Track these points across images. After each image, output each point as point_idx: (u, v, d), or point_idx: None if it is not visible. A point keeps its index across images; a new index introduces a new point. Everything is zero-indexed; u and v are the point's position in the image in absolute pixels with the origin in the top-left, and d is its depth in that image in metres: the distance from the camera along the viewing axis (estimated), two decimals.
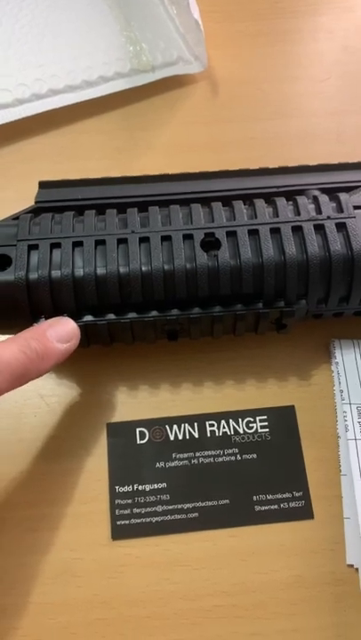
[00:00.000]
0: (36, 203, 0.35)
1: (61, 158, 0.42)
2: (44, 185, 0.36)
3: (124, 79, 0.44)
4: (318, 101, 0.45)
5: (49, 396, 0.35)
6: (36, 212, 0.34)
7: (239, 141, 0.43)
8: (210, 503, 0.33)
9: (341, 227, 0.32)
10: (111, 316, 0.32)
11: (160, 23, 0.47)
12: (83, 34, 0.45)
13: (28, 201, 0.35)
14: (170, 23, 0.47)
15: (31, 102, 0.43)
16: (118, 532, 0.32)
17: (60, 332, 0.30)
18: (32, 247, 0.32)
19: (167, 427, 0.34)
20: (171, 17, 0.47)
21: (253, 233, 0.32)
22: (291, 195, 0.34)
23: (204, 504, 0.33)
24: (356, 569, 0.31)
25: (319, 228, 0.32)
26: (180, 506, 0.32)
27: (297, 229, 0.32)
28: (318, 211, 0.33)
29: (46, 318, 0.32)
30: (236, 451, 0.34)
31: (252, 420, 0.34)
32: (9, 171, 0.42)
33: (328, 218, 0.32)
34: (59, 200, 0.35)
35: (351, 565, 0.31)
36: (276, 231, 0.32)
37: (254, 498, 0.33)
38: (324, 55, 0.47)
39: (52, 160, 0.42)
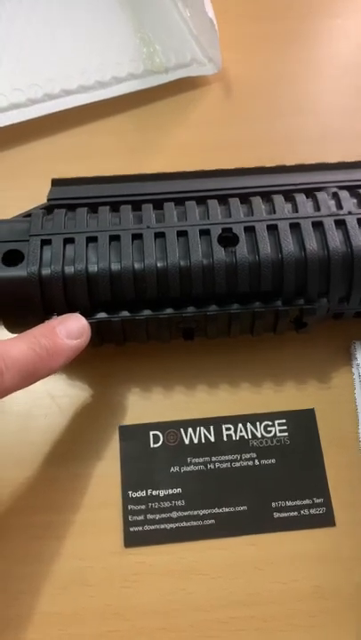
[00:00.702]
0: (48, 200, 0.34)
1: (74, 158, 0.42)
2: (56, 183, 0.35)
3: (138, 80, 0.44)
4: (335, 100, 0.44)
5: (60, 397, 0.34)
6: (48, 209, 0.33)
7: (254, 142, 0.42)
8: (227, 510, 0.31)
9: None
10: (125, 314, 0.31)
11: (174, 25, 0.46)
12: (96, 35, 0.45)
13: (40, 200, 0.34)
14: (183, 25, 0.46)
15: (44, 102, 0.42)
16: (131, 540, 0.31)
17: (71, 328, 0.29)
18: (45, 242, 0.31)
19: (182, 430, 0.33)
20: (184, 19, 0.46)
21: (272, 228, 0.31)
22: (310, 191, 0.33)
23: (220, 510, 0.31)
24: None
25: (340, 224, 0.31)
26: (195, 512, 0.31)
27: (318, 225, 0.31)
28: (339, 206, 0.32)
29: (58, 314, 0.31)
30: (254, 455, 0.32)
31: (270, 423, 0.33)
32: (21, 170, 0.41)
33: (349, 213, 0.31)
34: (71, 197, 0.34)
35: None
36: (295, 226, 0.31)
37: (273, 504, 0.31)
38: (340, 55, 0.47)
39: (64, 160, 0.42)
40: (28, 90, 0.42)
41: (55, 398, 0.34)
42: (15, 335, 0.34)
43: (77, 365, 0.34)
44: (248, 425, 0.33)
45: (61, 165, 0.41)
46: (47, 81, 0.43)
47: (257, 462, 0.32)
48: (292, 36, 0.47)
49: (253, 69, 0.46)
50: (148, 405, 0.34)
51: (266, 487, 0.32)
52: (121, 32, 0.45)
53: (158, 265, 0.30)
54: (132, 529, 0.31)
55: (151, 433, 0.33)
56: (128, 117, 0.44)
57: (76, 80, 0.43)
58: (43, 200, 0.34)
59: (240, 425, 0.33)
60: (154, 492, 0.31)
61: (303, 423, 0.33)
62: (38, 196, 0.34)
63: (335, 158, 0.36)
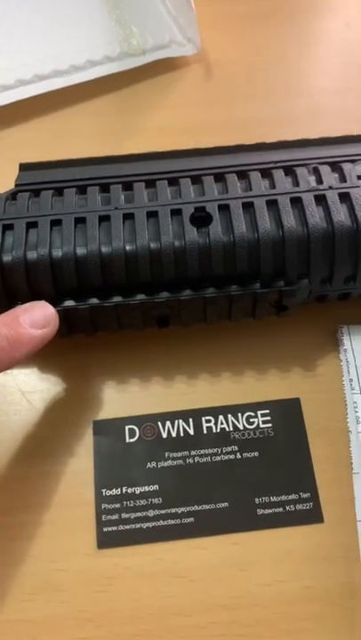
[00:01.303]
0: (16, 186, 0.33)
1: (49, 144, 0.40)
2: (25, 167, 0.34)
3: (114, 63, 0.43)
4: (321, 81, 0.43)
5: (30, 393, 0.32)
6: (14, 195, 0.32)
7: (236, 122, 0.41)
8: (207, 507, 0.29)
9: (345, 197, 0.29)
10: (94, 301, 0.29)
11: (151, 6, 0.45)
12: (70, 18, 0.44)
13: (10, 187, 0.33)
14: (161, 6, 0.45)
15: (16, 88, 0.41)
16: (105, 540, 0.29)
17: (36, 316, 0.27)
18: (7, 227, 0.29)
19: (159, 423, 0.31)
20: None
21: (248, 206, 0.29)
22: (290, 168, 0.31)
23: (200, 508, 0.29)
24: None
25: (321, 199, 0.29)
26: (173, 510, 0.29)
27: (296, 201, 0.29)
28: (319, 181, 0.30)
29: (23, 304, 0.29)
30: (236, 448, 0.30)
31: (252, 414, 0.31)
32: None
33: (330, 188, 0.29)
34: (40, 182, 0.33)
35: None
36: (273, 203, 0.29)
37: (256, 500, 0.29)
38: (327, 33, 0.45)
39: (39, 146, 0.40)
40: (1, 75, 0.41)
41: (25, 393, 0.32)
42: None
43: (49, 358, 0.33)
44: (229, 416, 0.31)
45: (36, 152, 0.39)
46: (19, 66, 0.41)
47: (239, 456, 0.30)
48: (275, 15, 0.46)
49: (234, 49, 0.44)
50: (123, 398, 0.32)
51: (249, 482, 0.30)
52: (96, 14, 0.44)
53: (127, 248, 0.29)
54: (105, 529, 0.29)
55: (127, 427, 0.31)
56: (106, 100, 0.43)
57: (50, 64, 0.42)
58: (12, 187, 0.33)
59: (221, 417, 0.31)
60: (129, 490, 0.30)
61: (288, 413, 0.31)
62: (10, 183, 0.33)
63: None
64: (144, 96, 0.43)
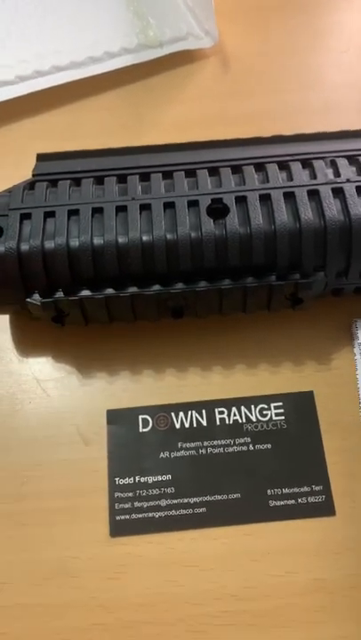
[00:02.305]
0: (33, 175, 0.33)
1: (65, 136, 0.40)
2: (42, 157, 0.34)
3: (131, 55, 0.43)
4: (338, 73, 0.43)
5: (45, 381, 0.33)
6: (32, 184, 0.32)
7: (253, 115, 0.41)
8: (219, 497, 0.29)
9: None
10: (110, 291, 0.29)
11: None
12: (87, 8, 0.44)
13: (29, 177, 0.33)
14: None
15: (34, 79, 0.41)
16: (118, 529, 0.29)
17: None
18: (25, 216, 0.29)
19: (173, 414, 0.31)
20: None
21: (265, 198, 0.29)
22: (307, 161, 0.31)
23: (212, 498, 0.29)
24: None
25: (338, 192, 0.29)
26: (185, 500, 0.29)
27: (313, 193, 0.29)
28: (337, 174, 0.30)
29: (40, 293, 0.29)
30: (249, 440, 0.31)
31: (265, 406, 0.31)
32: (11, 148, 0.40)
33: (348, 181, 0.29)
34: (56, 172, 0.33)
35: None
36: (290, 196, 0.29)
37: (268, 492, 0.30)
38: (343, 26, 0.44)
39: (55, 138, 0.40)
40: (18, 66, 0.41)
41: (40, 382, 0.32)
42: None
43: (64, 347, 0.33)
44: (242, 408, 0.31)
45: (52, 143, 0.39)
46: (37, 57, 0.41)
47: (252, 447, 0.30)
48: (292, 7, 0.46)
49: (251, 42, 0.44)
50: (137, 389, 0.32)
51: (261, 474, 0.30)
52: (113, 6, 0.44)
53: (144, 238, 0.29)
54: (118, 517, 0.29)
55: (140, 417, 0.31)
56: (122, 93, 0.42)
57: (67, 56, 0.42)
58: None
59: (234, 408, 0.31)
60: (142, 479, 0.30)
61: (301, 406, 0.31)
62: (27, 173, 0.33)
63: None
64: (160, 88, 0.43)
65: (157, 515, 0.29)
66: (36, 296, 0.29)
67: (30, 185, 0.32)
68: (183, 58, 0.43)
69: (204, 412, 0.31)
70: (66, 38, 0.42)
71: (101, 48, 0.42)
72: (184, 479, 0.30)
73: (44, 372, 0.33)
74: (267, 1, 0.46)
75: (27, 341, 0.34)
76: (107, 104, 0.42)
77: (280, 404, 0.31)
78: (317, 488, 0.30)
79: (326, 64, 0.43)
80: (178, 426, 0.31)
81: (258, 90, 0.42)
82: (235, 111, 0.41)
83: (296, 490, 0.30)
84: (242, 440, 0.31)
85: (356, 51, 0.44)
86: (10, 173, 0.34)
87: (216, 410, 0.31)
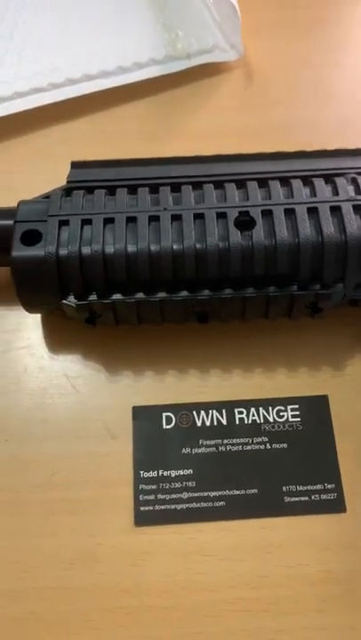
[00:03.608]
0: (67, 182, 0.35)
1: (95, 143, 0.42)
2: (76, 165, 0.35)
3: (159, 66, 0.44)
4: (354, 88, 0.44)
5: (75, 378, 0.34)
6: (67, 191, 0.34)
7: (275, 128, 0.42)
8: (237, 492, 0.31)
9: None
10: (141, 295, 0.31)
11: (196, 11, 0.46)
12: (118, 20, 0.45)
13: (60, 182, 0.35)
14: (206, 11, 0.46)
15: (65, 87, 0.43)
16: (142, 519, 0.31)
17: None
18: (63, 223, 0.31)
19: (194, 412, 0.33)
20: (206, 5, 0.46)
21: (290, 212, 0.31)
22: (329, 177, 0.33)
23: (231, 493, 0.31)
24: None
25: (359, 209, 0.31)
26: (206, 494, 0.31)
27: (335, 210, 0.31)
28: (358, 191, 0.32)
29: (75, 295, 0.31)
30: (266, 439, 0.32)
31: (282, 408, 0.33)
32: (43, 153, 0.42)
33: None
34: (90, 180, 0.34)
35: None
36: (313, 211, 0.31)
37: (284, 488, 0.31)
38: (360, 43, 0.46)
39: (84, 144, 0.42)
40: (50, 74, 0.43)
41: (70, 378, 0.34)
42: (36, 317, 0.34)
43: (93, 347, 0.35)
44: (261, 409, 0.33)
45: (82, 149, 0.41)
46: (69, 66, 0.43)
47: (269, 446, 0.32)
48: (314, 24, 0.47)
49: (275, 56, 0.46)
50: (161, 387, 0.34)
51: (277, 471, 0.32)
52: (143, 18, 0.46)
53: (174, 247, 0.31)
54: (142, 508, 0.31)
55: (164, 414, 0.33)
56: (149, 103, 0.44)
57: (98, 65, 0.43)
58: (63, 182, 0.35)
59: (253, 409, 0.33)
60: (165, 473, 0.32)
61: (316, 409, 0.33)
62: (59, 178, 0.35)
63: (355, 146, 0.35)
64: (185, 100, 0.44)
65: (179, 507, 0.31)
66: (72, 298, 0.31)
67: (66, 191, 0.33)
68: (209, 70, 0.45)
69: (224, 411, 0.33)
70: (97, 49, 0.44)
71: (131, 59, 0.44)
72: (205, 474, 0.32)
73: (73, 369, 0.35)
74: (289, 18, 0.47)
75: (57, 340, 0.35)
76: (135, 113, 0.44)
77: (296, 406, 0.33)
78: (330, 486, 0.31)
79: (343, 79, 0.45)
80: (199, 424, 0.33)
81: (279, 103, 0.44)
82: (256, 123, 0.43)
83: (310, 487, 0.31)
84: (259, 439, 0.33)
85: None
86: (44, 178, 0.36)
87: (236, 410, 0.33)
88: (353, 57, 0.46)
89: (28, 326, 0.36)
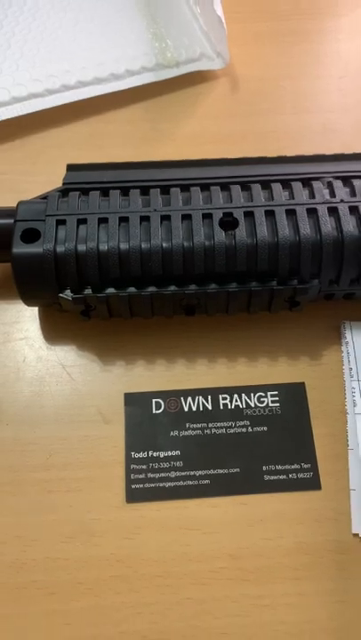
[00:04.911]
0: (63, 184, 0.37)
1: (89, 146, 0.44)
2: (71, 168, 0.38)
3: (150, 73, 0.47)
4: (336, 97, 0.47)
5: (70, 367, 0.37)
6: (63, 192, 0.36)
7: (258, 135, 0.45)
8: (221, 471, 0.34)
9: (354, 210, 0.34)
10: (132, 290, 0.34)
11: (185, 21, 0.49)
12: (111, 30, 0.48)
13: (56, 184, 0.37)
14: (194, 22, 0.49)
15: (61, 93, 0.45)
16: (133, 496, 0.33)
17: None
18: (60, 222, 0.34)
19: (182, 398, 0.36)
20: (195, 16, 0.49)
21: (270, 214, 0.34)
22: (307, 181, 0.36)
23: (215, 472, 0.34)
24: None
25: (333, 211, 0.34)
26: (192, 473, 0.34)
27: (312, 211, 0.33)
28: (333, 194, 0.34)
29: (71, 290, 0.34)
30: (248, 423, 0.35)
31: (263, 394, 0.36)
32: (40, 156, 0.44)
33: (342, 201, 0.34)
34: (85, 182, 0.37)
35: (357, 534, 0.33)
36: (291, 212, 0.34)
37: (264, 468, 0.34)
38: (342, 54, 0.49)
39: (80, 147, 0.44)
40: (47, 80, 0.45)
41: (66, 367, 0.37)
42: (33, 309, 0.37)
43: (87, 338, 0.38)
44: (243, 395, 0.36)
45: (77, 152, 0.44)
46: (64, 72, 0.45)
47: (250, 429, 0.35)
48: (297, 35, 0.50)
49: (260, 65, 0.48)
50: (151, 375, 0.37)
51: (257, 452, 0.34)
52: (135, 28, 0.48)
53: (164, 245, 0.33)
54: (133, 486, 0.34)
55: (153, 400, 0.36)
56: (140, 108, 0.47)
57: (92, 72, 0.45)
58: (59, 184, 0.37)
59: (235, 395, 0.36)
60: (155, 454, 0.34)
61: (294, 395, 0.36)
62: (55, 179, 0.37)
63: (333, 151, 0.38)
64: (174, 106, 0.47)
65: (167, 485, 0.34)
66: (68, 292, 0.33)
67: (63, 193, 0.36)
68: (197, 77, 0.47)
69: (209, 397, 0.36)
70: (91, 56, 0.46)
71: (123, 66, 0.46)
72: (191, 455, 0.34)
73: (69, 358, 0.37)
74: (273, 28, 0.50)
75: (54, 331, 0.38)
76: (127, 117, 0.46)
77: (276, 392, 0.36)
78: (306, 466, 0.34)
79: (326, 89, 0.48)
80: (186, 409, 0.36)
81: (263, 110, 0.46)
82: (241, 129, 0.45)
83: (288, 467, 0.34)
84: (242, 423, 0.35)
85: (352, 77, 0.48)
86: (41, 179, 0.38)
87: (220, 396, 0.36)
88: (333, 68, 0.48)
89: (26, 319, 0.38)
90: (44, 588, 0.32)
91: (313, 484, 0.34)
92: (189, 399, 0.36)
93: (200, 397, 0.36)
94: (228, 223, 0.33)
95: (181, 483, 0.34)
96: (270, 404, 0.36)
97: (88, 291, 0.34)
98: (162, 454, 0.34)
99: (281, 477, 0.34)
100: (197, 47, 0.48)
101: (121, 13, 0.48)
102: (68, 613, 0.31)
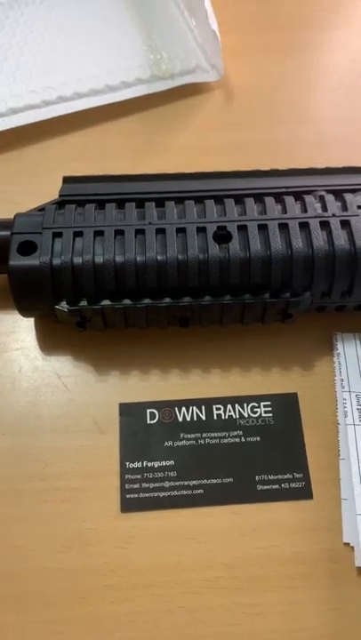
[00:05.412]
0: (60, 196, 0.37)
1: (84, 157, 0.45)
2: (67, 180, 0.38)
3: (145, 85, 0.47)
4: (329, 110, 0.47)
5: (66, 377, 0.37)
6: (60, 204, 0.37)
7: (252, 146, 0.45)
8: (214, 481, 0.34)
9: (346, 224, 0.34)
10: (128, 302, 0.34)
11: (180, 34, 0.49)
12: (107, 42, 0.48)
13: (52, 195, 0.37)
14: (189, 34, 0.49)
15: (57, 104, 0.45)
16: (127, 505, 0.34)
17: None
18: (56, 235, 0.34)
19: (176, 409, 0.36)
20: (190, 28, 0.49)
21: (263, 227, 0.34)
22: (299, 195, 0.36)
23: (208, 481, 0.34)
24: (352, 547, 0.33)
25: (325, 225, 0.34)
26: (186, 482, 0.34)
27: (304, 225, 0.34)
28: (324, 209, 0.35)
29: (67, 301, 0.34)
30: (241, 433, 0.36)
31: (256, 405, 0.36)
32: (36, 168, 0.44)
33: (333, 215, 0.34)
34: (81, 194, 0.37)
35: (347, 544, 0.33)
36: (284, 226, 0.34)
37: (257, 478, 0.35)
38: (336, 67, 0.50)
39: (75, 158, 0.45)
40: (43, 92, 0.45)
41: (61, 377, 0.37)
42: (30, 320, 0.37)
43: (83, 348, 0.38)
44: (236, 406, 0.36)
45: (73, 164, 0.45)
46: (61, 84, 0.46)
47: (243, 439, 0.35)
48: (291, 48, 0.50)
49: (254, 78, 0.49)
50: (146, 386, 0.37)
51: (250, 462, 0.35)
52: (130, 40, 0.48)
53: (158, 258, 0.34)
54: (128, 496, 0.34)
55: (148, 410, 0.36)
56: (135, 120, 0.47)
57: (88, 84, 0.46)
58: (55, 196, 0.37)
59: (229, 405, 0.36)
60: (149, 464, 0.35)
61: (286, 406, 0.36)
62: (51, 191, 0.37)
63: (328, 164, 0.39)
64: (169, 118, 0.47)
65: (162, 494, 0.34)
66: (64, 304, 0.34)
67: (59, 205, 0.36)
68: (191, 89, 0.48)
69: (203, 407, 0.36)
70: (87, 68, 0.46)
71: (118, 78, 0.47)
72: (185, 465, 0.35)
73: (64, 369, 0.37)
74: (268, 41, 0.50)
75: (50, 342, 0.38)
76: (122, 129, 0.47)
77: (269, 403, 0.36)
78: (298, 475, 0.35)
79: (319, 101, 0.48)
80: (180, 419, 0.36)
81: (257, 122, 0.47)
82: (235, 141, 0.46)
83: (280, 476, 0.35)
84: (235, 433, 0.36)
85: (345, 90, 0.49)
86: (37, 190, 0.38)
87: (214, 406, 0.36)
88: (328, 79, 0.49)
89: (22, 329, 0.39)
90: (39, 597, 0.32)
91: (305, 493, 0.34)
92: (183, 409, 0.36)
93: (194, 408, 0.36)
94: (222, 237, 0.34)
95: (175, 492, 0.34)
96: (263, 415, 0.36)
97: (84, 302, 0.34)
98: (156, 464, 0.35)
99: (274, 487, 0.34)
100: (192, 59, 0.48)
101: (116, 26, 0.49)
102: (62, 623, 0.31)
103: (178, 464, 0.35)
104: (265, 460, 0.35)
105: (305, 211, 0.35)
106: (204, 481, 0.34)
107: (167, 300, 0.34)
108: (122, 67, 0.47)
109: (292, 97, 0.48)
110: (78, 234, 0.34)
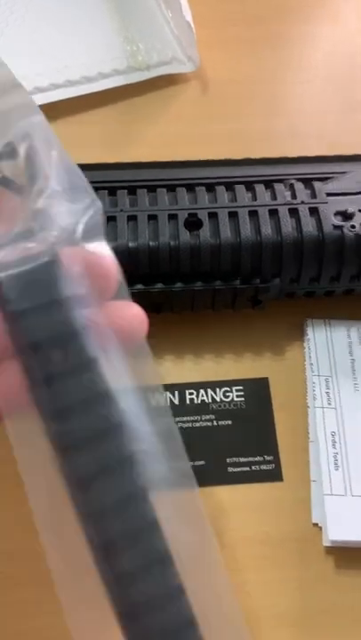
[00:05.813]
0: None
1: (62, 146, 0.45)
2: None
3: (121, 76, 0.48)
4: (303, 103, 0.48)
5: None
6: None
7: (227, 136, 0.46)
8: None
9: (314, 211, 0.35)
10: None
11: (156, 25, 0.50)
12: (83, 33, 0.48)
13: None
14: (165, 25, 0.50)
15: (33, 95, 0.46)
16: None
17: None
18: None
19: None
20: (166, 20, 0.50)
21: (233, 215, 0.35)
22: (269, 183, 0.37)
23: None
24: (320, 527, 0.34)
25: (294, 212, 0.35)
26: None
27: (273, 212, 0.35)
28: (294, 196, 0.35)
29: None
30: (213, 417, 0.36)
31: (228, 389, 0.37)
32: None
33: (302, 203, 0.35)
34: None
35: (316, 524, 0.34)
36: (254, 214, 0.35)
37: (227, 460, 0.35)
38: (310, 60, 0.50)
39: None
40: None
41: None
42: None
43: None
44: (209, 390, 0.37)
45: None
46: (36, 75, 0.46)
47: (215, 423, 0.36)
48: (266, 41, 0.51)
49: (229, 69, 0.49)
50: None
51: (222, 445, 0.35)
52: (106, 31, 0.49)
53: (130, 245, 0.34)
54: None
55: None
56: (112, 110, 0.47)
57: (64, 75, 0.46)
58: None
59: (202, 390, 0.37)
60: None
61: (258, 390, 0.37)
62: None
63: (301, 153, 0.39)
64: (145, 108, 0.48)
65: None
66: None
67: None
68: (167, 80, 0.48)
69: (176, 392, 0.37)
70: (63, 59, 0.47)
71: (95, 69, 0.47)
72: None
73: None
74: (243, 34, 0.51)
75: None
76: (98, 119, 0.47)
77: (240, 387, 0.37)
78: (268, 458, 0.35)
79: (292, 93, 0.49)
80: None
81: (231, 113, 0.48)
82: (210, 131, 0.47)
83: (251, 459, 0.35)
84: (207, 417, 0.36)
85: (319, 82, 0.49)
86: None
87: (187, 391, 0.37)
88: (301, 72, 0.50)
89: None
90: (12, 578, 0.32)
91: (275, 475, 0.35)
92: None
93: (167, 393, 0.37)
94: (193, 223, 0.35)
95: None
96: (235, 399, 0.37)
97: None
98: None
99: (244, 469, 0.35)
100: (169, 51, 0.49)
101: (93, 17, 0.49)
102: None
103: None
104: (236, 443, 0.36)
105: (275, 198, 0.35)
106: None
107: (139, 286, 0.35)
108: (98, 58, 0.47)
109: (266, 89, 0.49)
110: None
